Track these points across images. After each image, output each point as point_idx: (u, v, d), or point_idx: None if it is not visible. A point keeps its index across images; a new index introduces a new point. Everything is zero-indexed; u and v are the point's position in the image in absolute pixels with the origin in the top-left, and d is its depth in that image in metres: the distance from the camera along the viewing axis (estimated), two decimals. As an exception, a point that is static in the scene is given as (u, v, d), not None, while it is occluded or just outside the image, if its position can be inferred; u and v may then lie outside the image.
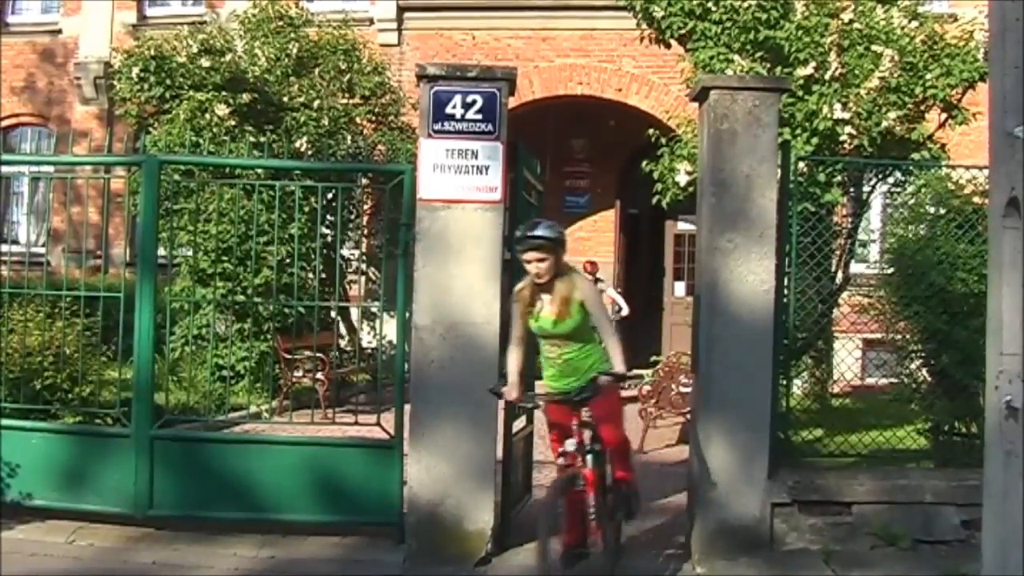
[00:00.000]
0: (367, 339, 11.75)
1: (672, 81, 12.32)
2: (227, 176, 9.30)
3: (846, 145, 8.33)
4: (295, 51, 12.06)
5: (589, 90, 14.90)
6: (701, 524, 5.64)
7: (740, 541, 5.59)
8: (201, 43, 11.54)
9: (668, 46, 9.30)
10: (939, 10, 10.90)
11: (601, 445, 4.99)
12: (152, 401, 6.17)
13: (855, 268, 8.95)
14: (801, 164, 7.36)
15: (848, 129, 8.18)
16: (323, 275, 10.50)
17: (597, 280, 13.96)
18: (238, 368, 10.43)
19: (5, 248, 12.41)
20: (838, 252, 8.50)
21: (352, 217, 11.82)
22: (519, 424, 6.14)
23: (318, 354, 10.18)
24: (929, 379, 6.71)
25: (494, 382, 5.27)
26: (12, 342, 6.73)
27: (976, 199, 6.43)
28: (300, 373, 10.39)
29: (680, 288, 15.76)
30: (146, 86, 11.32)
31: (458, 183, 5.64)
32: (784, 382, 6.22)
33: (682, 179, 8.51)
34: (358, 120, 12.49)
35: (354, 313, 10.49)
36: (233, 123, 11.04)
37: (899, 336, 6.78)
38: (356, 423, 6.34)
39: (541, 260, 4.89)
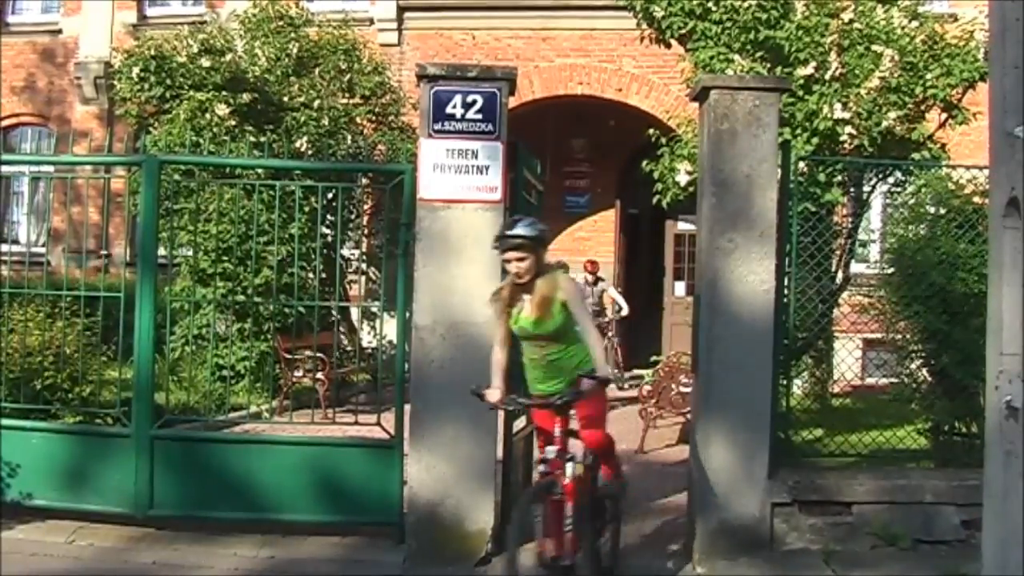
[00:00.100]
0: (367, 339, 11.75)
1: (672, 81, 12.32)
2: (227, 176, 9.29)
3: (846, 145, 8.33)
4: (295, 51, 12.06)
5: (589, 90, 14.89)
6: (701, 524, 5.64)
7: (740, 541, 5.59)
8: (201, 43, 11.54)
9: (668, 46, 9.30)
10: (939, 10, 10.90)
11: (585, 451, 4.89)
12: (152, 401, 6.17)
13: (855, 268, 8.95)
14: (801, 164, 7.37)
15: (848, 129, 8.19)
16: (323, 275, 10.50)
17: (598, 280, 13.98)
18: (238, 368, 10.43)
19: (5, 248, 12.39)
20: (838, 252, 8.50)
21: (352, 217, 11.81)
22: (519, 424, 6.14)
23: (318, 354, 10.19)
24: (929, 379, 6.71)
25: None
26: (12, 342, 6.73)
27: (976, 199, 6.44)
28: (300, 373, 10.39)
29: (680, 288, 15.76)
30: (146, 86, 11.31)
31: (458, 183, 5.64)
32: (784, 382, 6.22)
33: (682, 179, 8.51)
34: (358, 120, 12.49)
35: (354, 313, 10.48)
36: (233, 123, 11.04)
37: (899, 336, 6.78)
38: (356, 423, 6.35)
39: (521, 259, 4.74)
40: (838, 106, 8.11)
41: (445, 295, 5.62)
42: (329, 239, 10.39)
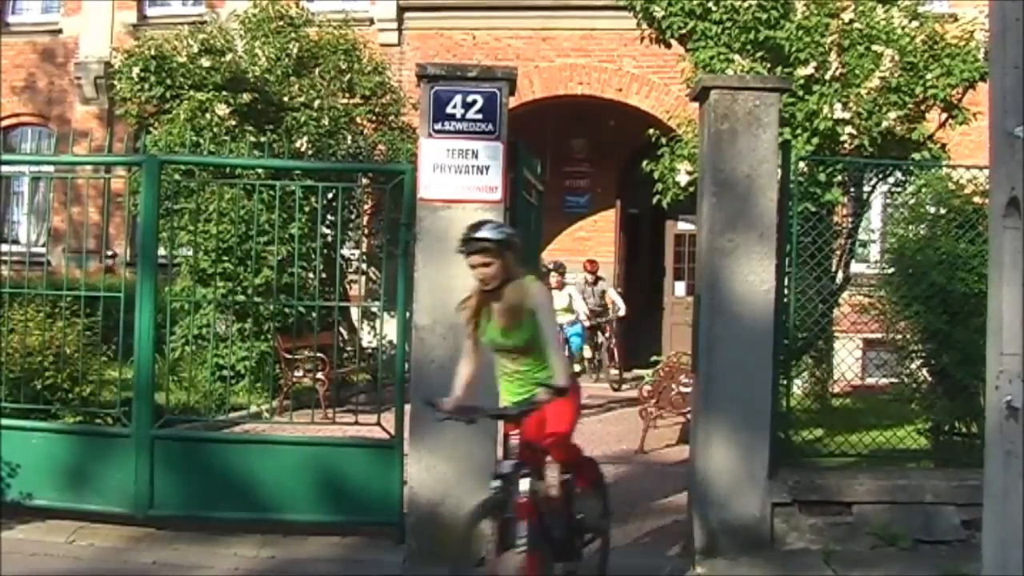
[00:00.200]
0: (367, 339, 11.75)
1: (672, 81, 12.32)
2: (227, 176, 9.29)
3: (846, 145, 8.33)
4: (295, 51, 12.05)
5: (589, 90, 14.89)
6: (702, 524, 5.64)
7: (741, 541, 5.59)
8: (201, 43, 11.53)
9: (668, 46, 9.30)
10: (939, 10, 10.91)
11: (559, 466, 4.64)
12: (152, 401, 6.17)
13: (855, 268, 8.95)
14: (801, 164, 7.37)
15: (848, 129, 8.19)
16: (323, 275, 10.50)
17: (598, 279, 13.97)
18: (238, 368, 10.43)
19: (5, 248, 12.39)
20: (838, 252, 8.50)
21: (352, 217, 11.81)
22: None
23: (318, 354, 10.19)
24: (929, 379, 6.71)
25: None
26: (12, 342, 6.73)
27: (976, 199, 6.44)
28: (300, 373, 10.39)
29: (680, 288, 15.76)
30: (146, 86, 11.31)
31: (458, 183, 5.64)
32: (784, 382, 6.22)
33: (682, 179, 8.51)
34: (358, 120, 12.49)
35: (354, 313, 10.48)
36: (233, 123, 11.04)
37: (899, 336, 6.78)
38: (356, 423, 6.35)
39: (486, 264, 4.46)
40: (838, 106, 8.11)
41: (445, 295, 5.61)
42: (329, 239, 10.40)
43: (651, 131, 9.21)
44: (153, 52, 11.32)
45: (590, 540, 5.01)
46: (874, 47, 8.23)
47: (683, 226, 14.87)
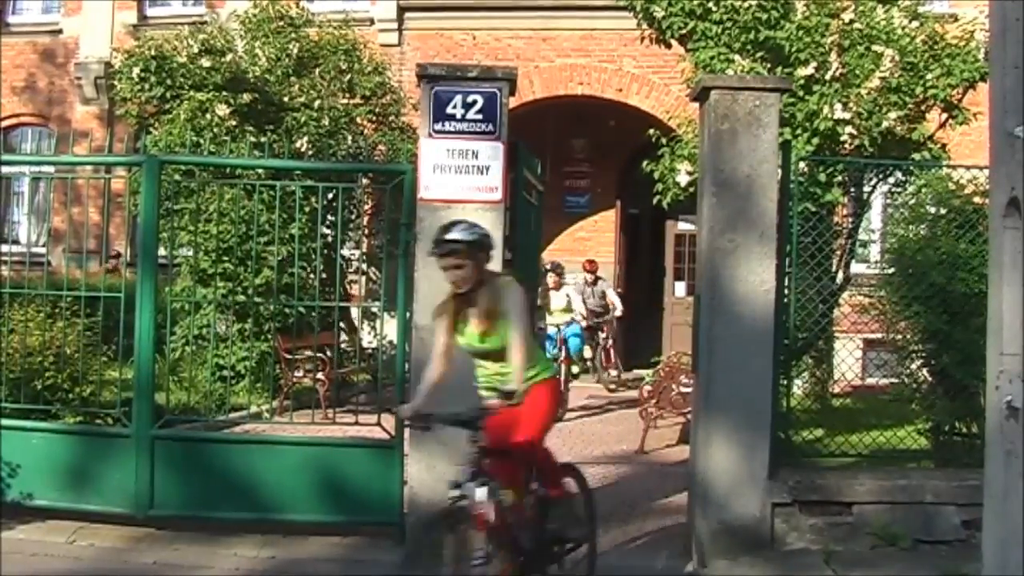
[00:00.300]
0: (367, 339, 11.75)
1: (672, 81, 12.32)
2: (228, 176, 9.29)
3: (847, 145, 8.33)
4: (295, 51, 12.05)
5: (589, 90, 14.90)
6: (702, 524, 5.64)
7: (741, 541, 5.59)
8: (201, 43, 11.53)
9: (669, 46, 9.30)
10: (939, 10, 10.91)
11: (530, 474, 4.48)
12: (153, 401, 6.18)
13: (856, 268, 8.95)
14: (802, 164, 7.37)
15: (849, 129, 8.18)
16: (323, 275, 10.50)
17: (597, 279, 13.96)
18: (238, 368, 10.43)
19: (6, 248, 12.40)
20: (839, 252, 8.50)
21: (353, 217, 11.81)
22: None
23: (318, 354, 10.18)
24: (929, 379, 6.71)
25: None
26: (13, 342, 6.73)
27: (976, 199, 6.44)
28: (300, 373, 10.39)
29: (680, 288, 15.76)
30: (147, 86, 11.31)
31: (459, 183, 5.65)
32: (785, 382, 6.22)
33: (683, 179, 8.51)
34: (359, 120, 12.48)
35: (354, 313, 10.48)
36: (234, 123, 11.04)
37: (899, 336, 6.78)
38: (356, 423, 6.35)
39: (457, 267, 4.37)
40: (838, 106, 8.11)
41: (445, 295, 5.60)
42: (329, 239, 10.40)
43: (651, 131, 9.21)
44: (153, 52, 11.32)
45: (573, 547, 4.89)
46: (874, 47, 8.23)
47: (683, 226, 14.88)
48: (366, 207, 11.87)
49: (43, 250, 11.29)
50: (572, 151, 15.87)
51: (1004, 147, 2.86)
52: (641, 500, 7.14)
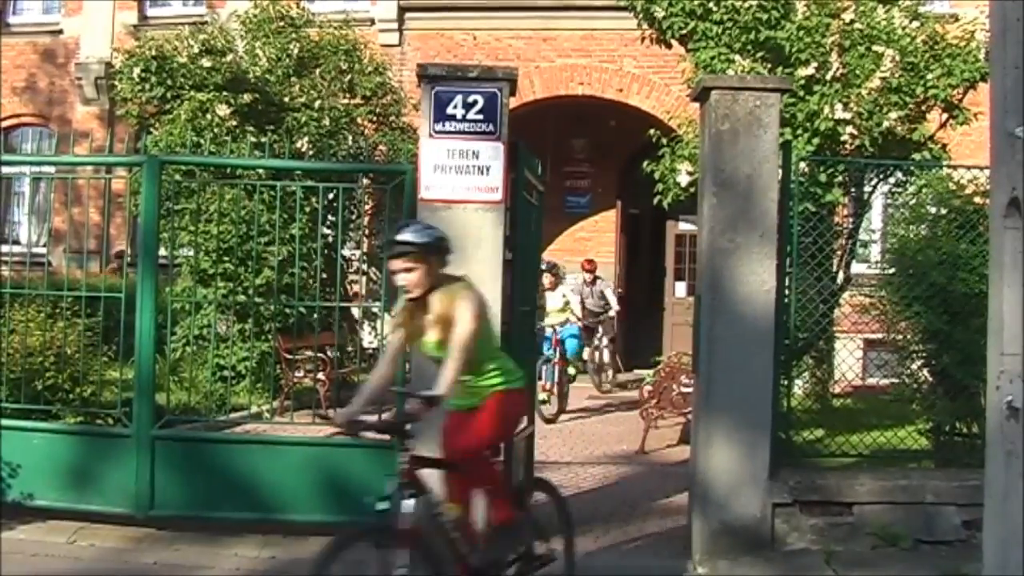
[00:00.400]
0: (368, 339, 11.75)
1: (673, 81, 12.33)
2: (228, 176, 9.30)
3: (847, 145, 8.34)
4: (296, 51, 12.06)
5: (590, 90, 14.90)
6: (702, 524, 5.64)
7: (741, 541, 5.59)
8: (202, 43, 11.54)
9: (669, 46, 9.30)
10: (940, 10, 10.92)
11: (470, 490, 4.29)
12: (153, 401, 6.17)
13: (856, 268, 8.95)
14: (802, 164, 7.38)
15: (849, 129, 8.19)
16: (324, 275, 10.50)
17: (596, 279, 13.94)
18: (239, 368, 10.42)
19: (6, 248, 12.41)
20: (839, 252, 8.50)
21: (353, 217, 11.80)
22: (520, 424, 6.13)
23: (319, 354, 10.18)
24: (930, 379, 6.71)
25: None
26: (13, 342, 6.73)
27: (977, 199, 6.44)
28: (301, 373, 10.39)
29: (681, 288, 15.75)
30: (147, 86, 11.32)
31: (459, 183, 5.64)
32: (785, 382, 6.22)
33: (683, 179, 8.51)
34: (359, 120, 12.49)
35: (355, 313, 10.48)
36: (234, 123, 11.04)
37: (900, 336, 6.78)
38: (357, 423, 6.33)
39: (408, 270, 4.14)
40: (839, 106, 8.11)
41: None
42: (330, 239, 10.39)
43: (652, 131, 9.22)
44: (154, 52, 11.33)
45: (541, 564, 4.67)
46: (875, 47, 8.23)
47: (684, 226, 14.88)
48: (367, 207, 11.86)
49: (44, 250, 11.30)
50: (572, 151, 15.86)
51: (1004, 147, 2.86)
52: (641, 500, 7.14)
